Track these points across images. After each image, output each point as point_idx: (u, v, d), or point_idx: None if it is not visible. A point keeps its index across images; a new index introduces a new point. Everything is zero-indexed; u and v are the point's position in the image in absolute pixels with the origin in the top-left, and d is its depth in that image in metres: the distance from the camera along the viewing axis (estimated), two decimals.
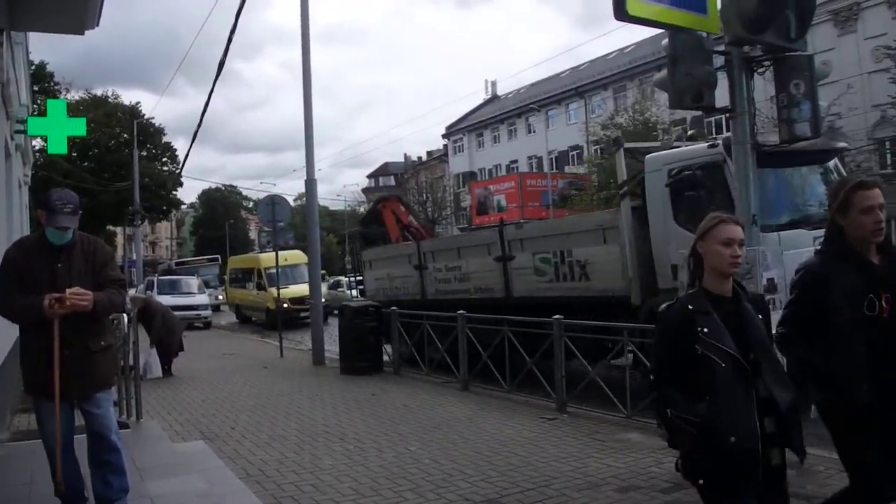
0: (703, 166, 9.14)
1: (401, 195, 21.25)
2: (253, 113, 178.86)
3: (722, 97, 6.35)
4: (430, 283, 14.48)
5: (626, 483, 6.18)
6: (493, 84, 72.12)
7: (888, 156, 32.40)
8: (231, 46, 14.14)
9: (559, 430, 8.24)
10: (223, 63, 14.67)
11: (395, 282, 15.83)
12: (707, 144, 9.58)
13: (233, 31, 14.11)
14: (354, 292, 20.01)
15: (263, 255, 29.40)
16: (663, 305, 3.41)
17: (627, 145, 10.80)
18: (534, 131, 59.18)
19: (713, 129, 38.57)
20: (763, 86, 6.40)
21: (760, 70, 6.52)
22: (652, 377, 3.43)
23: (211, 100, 36.66)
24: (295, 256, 28.18)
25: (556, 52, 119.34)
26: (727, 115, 6.43)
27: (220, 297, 40.12)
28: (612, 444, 7.52)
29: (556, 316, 9.46)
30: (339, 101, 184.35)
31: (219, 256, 50.67)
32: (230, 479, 6.74)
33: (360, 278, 19.05)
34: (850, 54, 35.35)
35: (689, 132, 25.34)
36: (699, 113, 10.88)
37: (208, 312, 30.38)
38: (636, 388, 8.45)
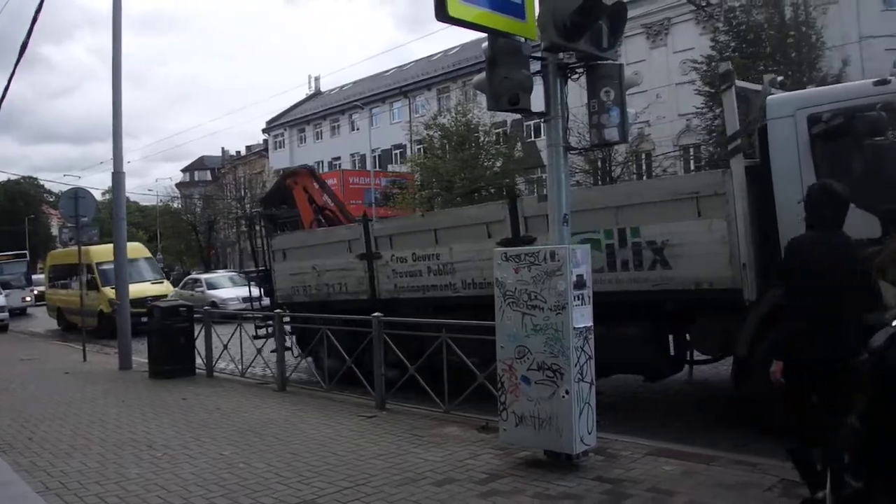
0: (858, 111, 7.10)
1: (313, 168, 17.26)
2: (61, 101, 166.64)
3: (539, 101, 6.71)
4: (386, 278, 11.46)
5: (443, 476, 6.41)
6: (317, 79, 71.77)
7: (692, 161, 35.21)
8: (36, 27, 13.10)
9: (378, 428, 8.38)
10: (26, 45, 13.69)
11: (325, 277, 12.65)
12: (873, 81, 7.51)
13: (38, 11, 13.19)
14: (255, 292, 15.22)
15: (96, 248, 24.40)
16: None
17: (739, 83, 8.21)
18: (357, 129, 59.33)
19: (531, 133, 40.29)
20: (580, 92, 6.82)
21: (574, 76, 6.94)
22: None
23: (11, 84, 33.71)
24: (135, 250, 25.00)
25: (382, 50, 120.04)
26: (543, 118, 6.81)
27: (28, 299, 37.05)
28: (431, 438, 7.75)
29: (377, 314, 9.59)
30: (155, 91, 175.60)
31: (27, 252, 46.76)
32: (26, 493, 6.38)
33: (264, 274, 14.91)
34: (660, 66, 38.14)
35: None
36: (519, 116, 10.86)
37: (4, 315, 28.07)
38: (457, 383, 8.74)
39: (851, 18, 33.96)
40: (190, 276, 35.32)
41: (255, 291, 15.22)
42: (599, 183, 30.73)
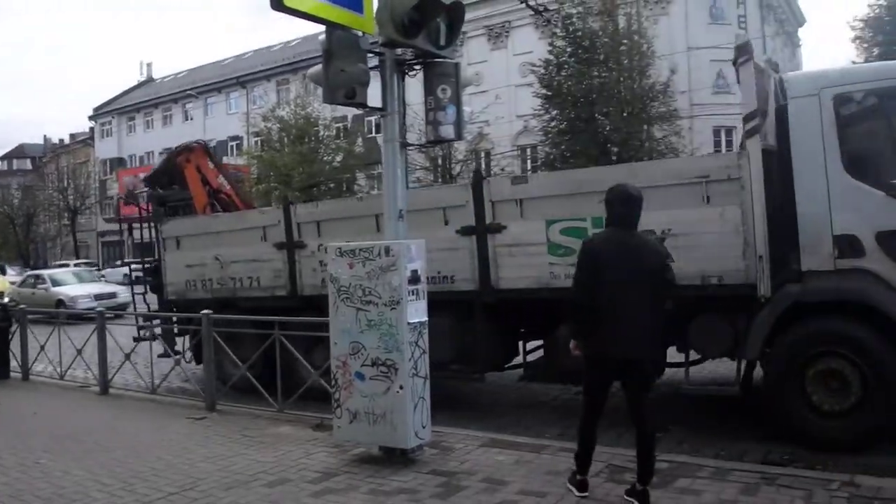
0: (886, 95, 6.77)
1: (206, 144, 14.78)
2: None
3: (378, 96, 6.75)
4: (311, 271, 9.97)
5: (275, 477, 6.32)
6: (149, 66, 68.80)
7: (528, 161, 36.46)
8: None
9: (208, 430, 8.14)
10: None
11: (231, 269, 10.98)
12: None
13: None
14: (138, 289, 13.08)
15: None
16: None
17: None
18: (191, 119, 57.34)
19: (373, 129, 40.33)
20: (420, 88, 6.90)
21: (411, 73, 7.03)
22: None
23: None
24: None
25: (220, 39, 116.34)
26: (379, 114, 6.84)
27: None
28: (263, 439, 7.61)
29: (206, 311, 9.35)
30: None
31: None
32: None
33: (152, 266, 12.62)
34: (500, 68, 39.22)
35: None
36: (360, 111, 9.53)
37: None
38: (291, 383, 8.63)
39: (680, 30, 36.25)
40: (31, 273, 32.34)
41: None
42: (440, 181, 31.20)
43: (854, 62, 38.60)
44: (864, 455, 6.43)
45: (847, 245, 6.71)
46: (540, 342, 8.92)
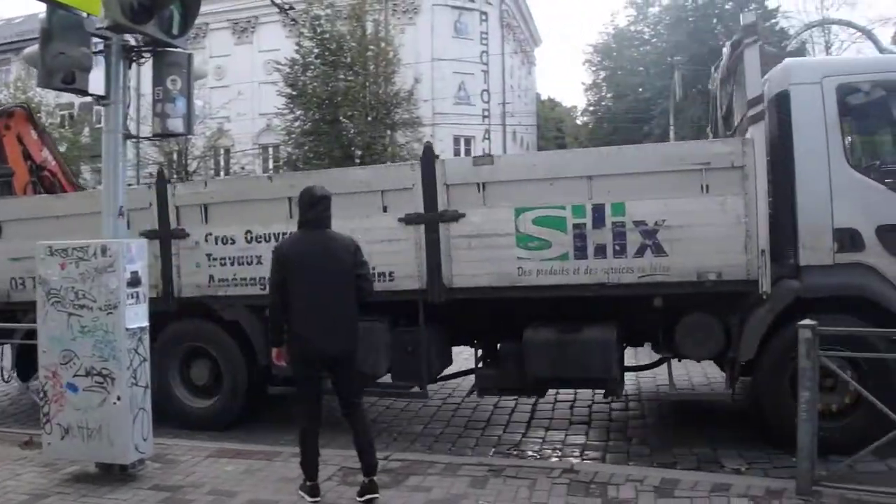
0: (888, 86, 6.66)
1: (29, 107, 12.08)
2: None
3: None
4: (194, 267, 8.15)
5: None
6: None
7: (270, 161, 35.95)
8: None
9: None
10: None
11: None
12: None
13: None
14: None
15: None
16: None
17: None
18: None
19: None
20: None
21: (140, 61, 6.63)
22: None
23: None
24: None
25: None
26: (100, 101, 6.39)
27: None
28: None
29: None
30: None
31: None
32: None
33: None
34: (244, 63, 38.25)
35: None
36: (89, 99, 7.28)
37: None
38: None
39: (426, 41, 37.47)
40: None
41: None
42: (175, 178, 29.85)
43: (584, 84, 42.26)
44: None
45: (848, 239, 6.53)
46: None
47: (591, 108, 54.66)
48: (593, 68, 52.26)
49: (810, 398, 5.30)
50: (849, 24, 33.22)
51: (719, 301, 6.78)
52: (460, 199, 7.16)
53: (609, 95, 51.47)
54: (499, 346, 7.64)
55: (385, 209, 7.39)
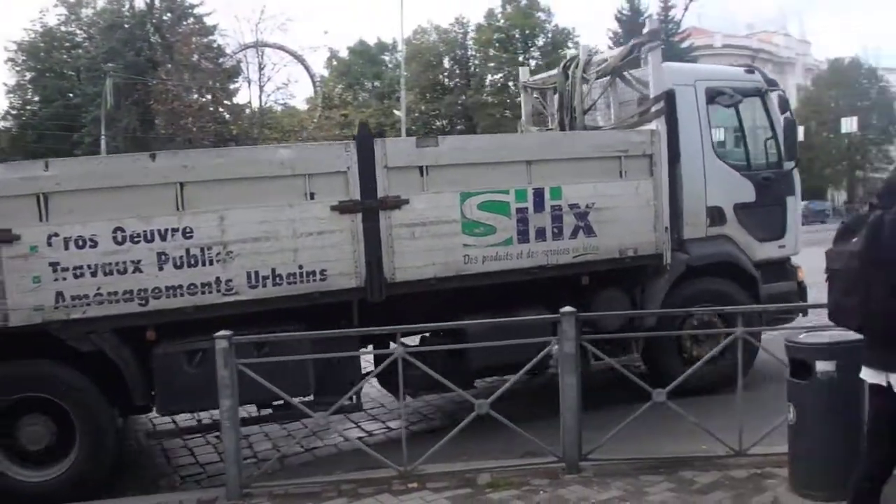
0: (744, 92, 8.22)
1: None
2: None
3: None
4: (30, 283, 5.73)
5: None
6: None
7: None
8: None
9: None
10: None
11: None
12: (743, 69, 8.84)
13: None
14: None
15: None
16: None
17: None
18: None
19: None
20: None
21: None
22: None
23: None
24: None
25: None
26: None
27: None
28: None
29: None
30: None
31: None
32: None
33: None
34: None
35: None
36: None
37: None
38: None
39: None
40: None
41: None
42: None
43: (6, 85, 37.84)
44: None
45: (716, 215, 7.98)
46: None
47: (14, 113, 48.50)
48: (17, 68, 46.48)
49: (231, 406, 5.40)
50: (281, 48, 36.58)
51: (626, 276, 7.64)
52: (399, 183, 6.65)
53: (36, 99, 46.33)
54: (425, 341, 7.27)
55: (311, 196, 6.43)
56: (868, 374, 3.76)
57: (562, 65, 8.69)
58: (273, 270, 6.27)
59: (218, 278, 6.11)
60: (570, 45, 40.56)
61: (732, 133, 8.60)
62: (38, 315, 5.80)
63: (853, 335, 4.08)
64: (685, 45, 40.86)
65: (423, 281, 6.74)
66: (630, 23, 37.88)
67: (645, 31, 7.84)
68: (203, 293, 6.10)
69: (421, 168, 6.67)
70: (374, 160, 6.55)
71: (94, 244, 5.86)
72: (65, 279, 5.80)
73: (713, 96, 8.01)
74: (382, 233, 6.56)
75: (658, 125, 7.52)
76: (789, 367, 4.92)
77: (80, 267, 5.82)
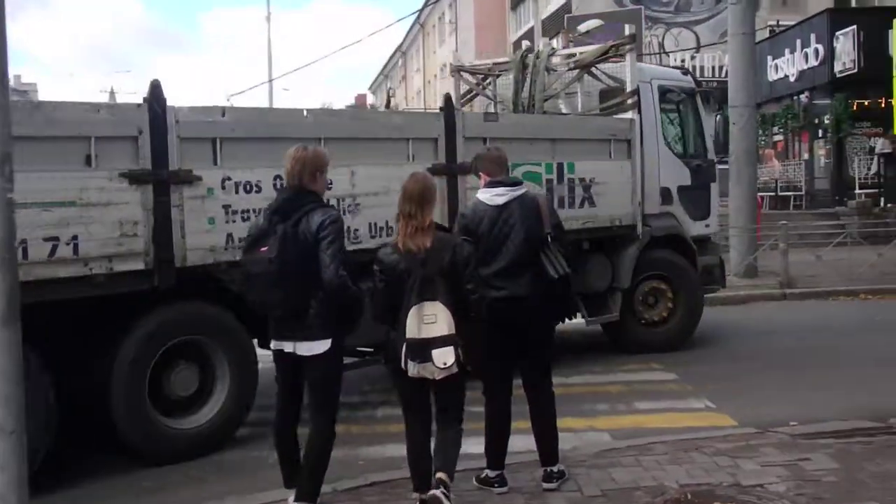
0: (684, 91, 9.86)
1: None
2: None
3: None
4: (204, 223, 5.82)
5: None
6: None
7: None
8: None
9: None
10: None
11: None
12: (681, 71, 10.98)
13: None
14: None
15: None
16: None
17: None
18: None
19: None
20: None
21: None
22: None
23: None
24: None
25: None
26: None
27: None
28: None
29: None
30: None
31: None
32: None
33: None
34: None
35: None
36: None
37: None
38: None
39: None
40: None
41: None
42: None
43: None
44: None
45: (667, 194, 9.37)
46: None
47: None
48: None
49: None
50: None
51: (609, 243, 8.91)
52: (469, 152, 7.21)
53: None
54: None
55: (413, 158, 7.14)
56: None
57: (519, 55, 9.71)
58: (386, 222, 6.77)
59: (349, 227, 6.39)
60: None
61: (672, 125, 9.91)
62: (210, 256, 5.95)
63: None
64: None
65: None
66: None
67: (626, 33, 9.11)
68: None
69: (484, 139, 7.49)
70: (456, 130, 7.40)
71: (259, 189, 6.15)
72: (234, 221, 6.00)
73: (664, 93, 9.53)
74: (460, 195, 7.37)
75: (633, 115, 8.95)
76: None
77: (248, 210, 6.03)
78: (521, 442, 5.14)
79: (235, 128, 6.10)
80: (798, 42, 24.29)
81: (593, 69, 9.25)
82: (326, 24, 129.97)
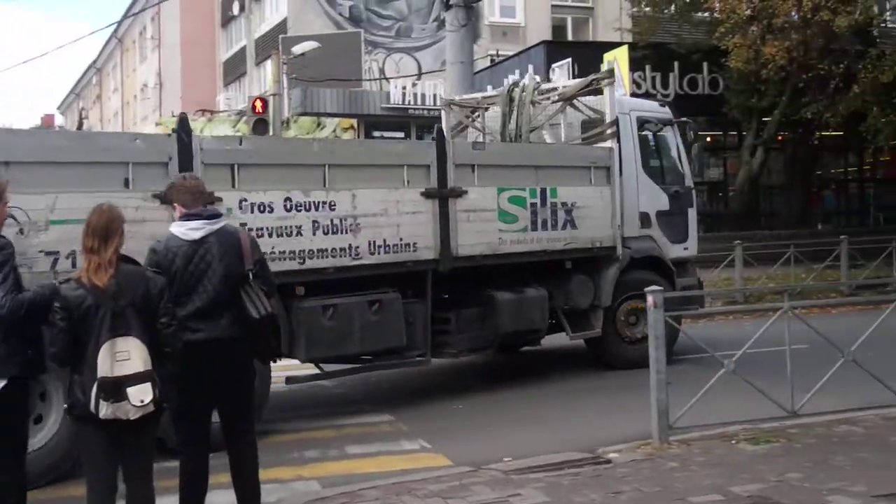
0: (661, 121, 10.64)
1: None
2: None
3: None
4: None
5: None
6: None
7: None
8: None
9: None
10: None
11: None
12: (658, 104, 11.48)
13: None
14: None
15: None
16: None
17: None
18: None
19: None
20: None
21: None
22: None
23: None
24: None
25: None
26: None
27: None
28: None
29: None
30: None
31: None
32: None
33: None
34: None
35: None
36: None
37: None
38: None
39: None
40: None
41: None
42: None
43: None
44: None
45: (645, 219, 10.09)
46: None
47: None
48: None
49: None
50: None
51: (589, 263, 9.60)
52: (460, 177, 8.36)
53: None
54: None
55: (408, 182, 8.12)
56: None
57: (506, 89, 10.47)
58: (384, 240, 7.77)
59: (350, 244, 7.54)
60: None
61: (650, 153, 10.70)
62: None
63: None
64: None
65: (472, 257, 8.47)
66: None
67: (604, 69, 10.04)
68: (340, 256, 7.51)
69: (472, 166, 8.48)
70: (447, 158, 8.27)
71: (271, 210, 7.12)
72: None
73: (642, 123, 10.36)
74: (451, 217, 8.21)
75: (612, 144, 9.70)
76: None
77: (262, 228, 6.94)
78: (222, 498, 4.84)
79: (252, 155, 6.99)
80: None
81: (575, 101, 10.02)
82: (26, 39, 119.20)
